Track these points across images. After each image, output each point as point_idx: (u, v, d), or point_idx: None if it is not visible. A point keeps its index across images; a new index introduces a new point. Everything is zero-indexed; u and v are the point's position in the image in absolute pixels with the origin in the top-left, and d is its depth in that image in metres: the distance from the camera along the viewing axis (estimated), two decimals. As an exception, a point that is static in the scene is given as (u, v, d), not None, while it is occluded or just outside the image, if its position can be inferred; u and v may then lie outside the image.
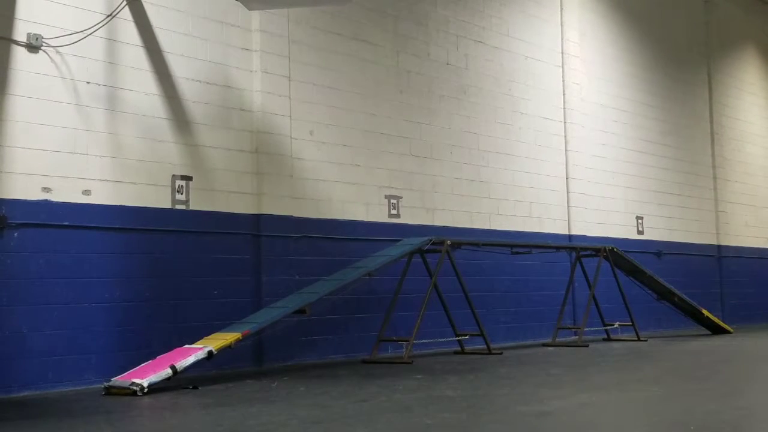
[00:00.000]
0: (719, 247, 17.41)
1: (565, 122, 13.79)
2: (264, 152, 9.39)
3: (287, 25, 9.74)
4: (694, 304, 13.75)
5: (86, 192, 7.86)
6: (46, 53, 7.67)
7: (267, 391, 7.19)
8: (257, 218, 9.29)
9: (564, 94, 13.83)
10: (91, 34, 7.94)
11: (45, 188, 7.56)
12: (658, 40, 16.34)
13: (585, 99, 14.26)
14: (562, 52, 13.90)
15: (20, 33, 7.52)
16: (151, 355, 7.72)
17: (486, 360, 9.85)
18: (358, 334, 10.13)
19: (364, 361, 9.55)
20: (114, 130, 8.14)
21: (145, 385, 6.98)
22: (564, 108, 13.81)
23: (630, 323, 12.64)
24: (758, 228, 18.86)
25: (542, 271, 12.83)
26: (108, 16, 8.10)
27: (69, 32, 7.76)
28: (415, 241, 10.09)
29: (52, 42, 7.69)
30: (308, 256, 9.71)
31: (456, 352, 10.59)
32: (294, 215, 9.63)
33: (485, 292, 11.68)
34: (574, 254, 12.50)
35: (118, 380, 7.15)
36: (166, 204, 8.54)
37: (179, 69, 8.74)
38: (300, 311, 8.58)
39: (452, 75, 11.96)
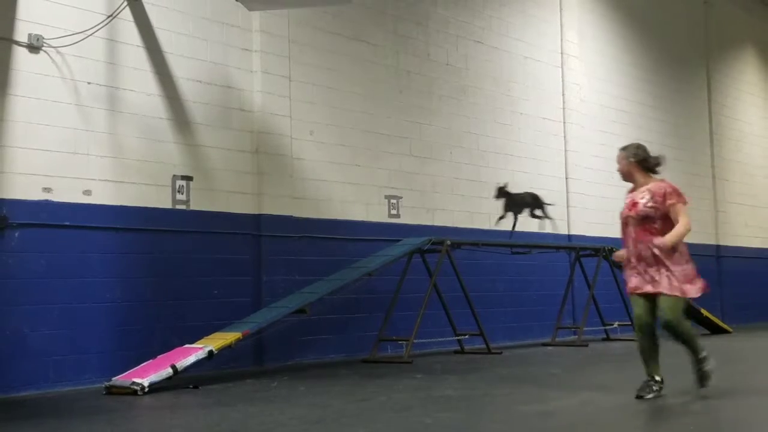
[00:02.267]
0: (718, 247, 17.43)
1: (564, 122, 13.81)
2: (264, 152, 9.40)
3: (287, 25, 9.76)
4: (694, 303, 13.76)
5: (87, 192, 7.87)
6: (47, 54, 7.69)
7: (267, 390, 7.21)
8: (257, 218, 9.30)
9: (563, 95, 13.85)
10: (92, 34, 7.96)
11: (46, 188, 7.58)
12: (658, 40, 16.36)
13: (584, 99, 14.27)
14: (562, 53, 13.92)
15: (21, 33, 7.54)
16: (151, 354, 7.74)
17: (486, 360, 9.86)
18: (358, 334, 10.15)
19: (364, 361, 9.57)
20: (114, 130, 8.16)
21: (146, 384, 7.00)
22: (563, 108, 13.83)
23: (629, 323, 12.63)
24: (757, 228, 18.88)
25: (542, 271, 12.84)
26: (109, 16, 8.12)
27: (70, 33, 7.78)
28: (415, 241, 10.11)
29: (53, 42, 7.70)
30: (308, 256, 9.72)
31: (456, 352, 10.60)
32: (294, 215, 9.64)
33: (485, 292, 11.69)
34: (573, 254, 12.52)
35: (119, 380, 7.17)
36: (166, 204, 8.55)
37: (180, 69, 8.75)
38: (300, 311, 8.59)
39: (452, 75, 11.98)
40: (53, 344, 7.54)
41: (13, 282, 7.34)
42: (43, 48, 7.65)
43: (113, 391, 7.08)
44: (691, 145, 17.11)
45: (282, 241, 9.46)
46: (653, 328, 6.34)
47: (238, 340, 7.93)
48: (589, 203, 14.07)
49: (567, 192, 13.71)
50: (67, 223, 7.72)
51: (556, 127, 13.68)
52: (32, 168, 7.50)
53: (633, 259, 6.33)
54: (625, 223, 6.44)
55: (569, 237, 13.62)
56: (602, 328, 12.78)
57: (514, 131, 12.90)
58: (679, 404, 6.19)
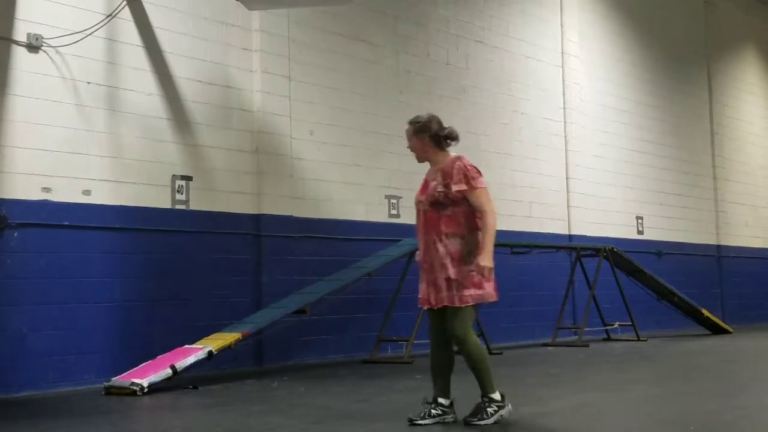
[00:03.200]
0: (719, 247, 17.42)
1: (565, 122, 13.79)
2: (264, 152, 9.39)
3: (287, 25, 9.74)
4: (694, 304, 13.75)
5: (86, 192, 7.86)
6: (47, 53, 7.68)
7: (267, 391, 7.20)
8: (257, 218, 9.29)
9: (564, 94, 13.83)
10: (91, 34, 7.95)
11: (45, 188, 7.57)
12: (658, 40, 16.34)
13: (585, 99, 14.26)
14: (562, 52, 13.90)
15: (20, 33, 7.53)
16: (151, 355, 7.73)
17: (486, 360, 9.84)
18: (358, 334, 10.13)
19: (364, 361, 9.56)
20: (114, 130, 8.15)
21: (146, 385, 6.99)
22: (564, 108, 13.81)
23: (630, 323, 12.64)
24: (758, 228, 18.86)
25: (542, 271, 12.82)
26: (108, 16, 8.11)
27: (69, 32, 7.77)
28: (415, 241, 10.07)
29: (52, 42, 7.69)
30: (308, 256, 9.71)
31: (456, 352, 10.57)
32: (294, 215, 9.63)
33: (485, 292, 11.65)
34: (574, 254, 12.50)
35: (119, 380, 7.16)
36: (166, 204, 8.54)
37: (179, 69, 8.74)
38: (300, 311, 8.59)
39: (452, 75, 11.96)
40: (53, 344, 7.53)
41: (12, 282, 7.33)
42: (43, 47, 7.64)
43: (113, 391, 7.07)
44: (691, 145, 17.09)
45: (282, 241, 9.45)
46: (447, 342, 5.37)
47: (238, 341, 7.92)
48: (589, 203, 14.06)
49: (567, 192, 13.70)
50: (67, 223, 7.71)
51: (556, 126, 13.67)
52: (32, 168, 7.49)
53: (420, 259, 5.40)
54: (417, 210, 5.44)
55: (570, 237, 13.60)
56: (603, 328, 12.77)
57: (514, 131, 12.88)
58: (681, 405, 6.18)
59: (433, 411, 5.26)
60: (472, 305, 5.22)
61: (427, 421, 5.22)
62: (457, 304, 5.19)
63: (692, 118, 17.21)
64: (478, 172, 5.30)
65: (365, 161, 10.61)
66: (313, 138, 9.98)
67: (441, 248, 5.25)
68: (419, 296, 5.40)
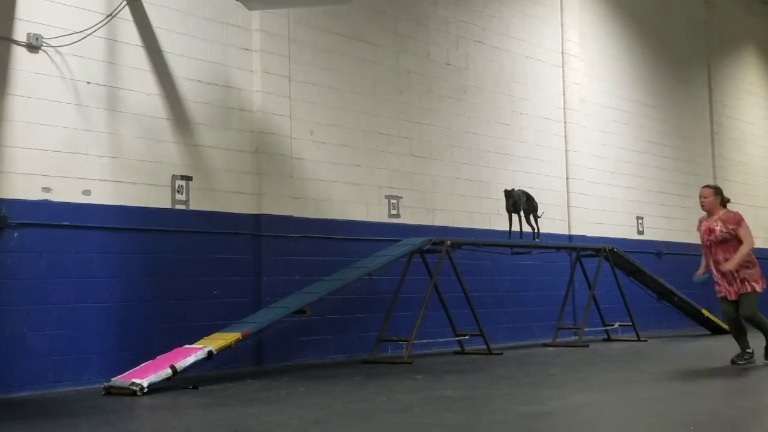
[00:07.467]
0: (719, 247, 17.38)
1: (565, 122, 13.79)
2: (264, 152, 9.39)
3: (287, 25, 9.75)
4: (694, 304, 13.75)
5: (86, 192, 7.86)
6: (46, 53, 7.68)
7: (267, 391, 7.20)
8: (257, 218, 9.29)
9: (564, 94, 13.83)
10: (91, 34, 7.95)
11: (45, 188, 7.56)
12: (658, 40, 16.34)
13: (585, 99, 14.26)
14: (562, 52, 13.91)
15: (20, 33, 7.53)
16: (151, 355, 7.72)
17: (486, 360, 9.85)
18: (358, 334, 10.13)
19: (364, 361, 9.55)
20: (114, 130, 8.15)
21: (145, 385, 6.99)
22: (564, 108, 13.81)
23: (630, 323, 12.64)
24: (758, 228, 18.81)
25: (542, 271, 12.82)
26: (108, 16, 8.11)
27: (69, 32, 7.77)
28: (415, 241, 10.09)
29: (52, 42, 7.69)
30: (308, 256, 9.71)
31: (456, 353, 10.59)
32: (294, 215, 9.63)
33: (485, 293, 11.68)
34: (574, 254, 12.50)
35: (118, 380, 7.15)
36: (166, 204, 8.54)
37: (179, 69, 8.74)
38: (300, 311, 8.58)
39: (452, 75, 11.96)
40: (52, 344, 7.53)
41: (12, 282, 7.33)
42: (43, 47, 7.64)
43: (112, 391, 7.07)
44: (691, 146, 17.10)
45: (282, 241, 9.45)
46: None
47: (238, 341, 7.92)
48: (589, 203, 14.06)
49: (568, 192, 13.70)
50: (67, 223, 7.71)
51: (556, 126, 13.67)
52: (31, 168, 7.49)
53: (713, 273, 8.86)
54: (704, 242, 8.82)
55: (570, 237, 13.60)
56: (603, 328, 12.77)
57: (514, 131, 12.89)
58: (681, 405, 6.17)
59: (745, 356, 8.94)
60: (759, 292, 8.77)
61: (742, 362, 8.88)
62: (748, 291, 8.71)
63: (692, 119, 17.21)
64: (742, 217, 8.88)
65: (365, 161, 10.61)
66: (313, 138, 9.98)
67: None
68: (720, 295, 9.00)
